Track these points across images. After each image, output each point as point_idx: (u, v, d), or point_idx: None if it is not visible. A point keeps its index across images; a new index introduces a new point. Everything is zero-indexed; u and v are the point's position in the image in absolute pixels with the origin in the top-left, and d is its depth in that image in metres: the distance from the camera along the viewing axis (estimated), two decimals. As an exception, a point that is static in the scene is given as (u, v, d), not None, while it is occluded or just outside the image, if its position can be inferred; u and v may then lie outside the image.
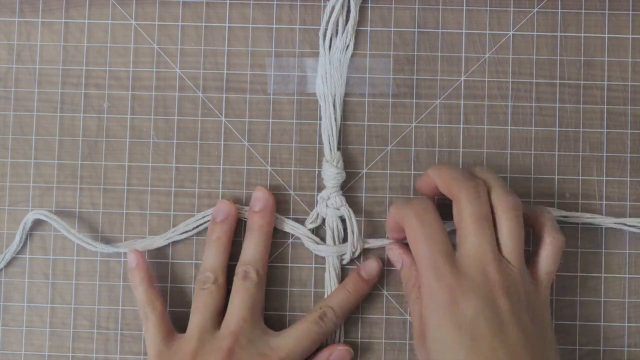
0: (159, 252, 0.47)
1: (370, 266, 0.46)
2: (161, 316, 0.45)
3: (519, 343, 0.38)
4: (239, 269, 0.45)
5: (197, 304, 0.45)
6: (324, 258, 0.47)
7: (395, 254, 0.46)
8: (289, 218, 0.47)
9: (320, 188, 0.47)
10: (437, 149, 0.48)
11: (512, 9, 0.48)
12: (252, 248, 0.45)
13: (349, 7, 0.48)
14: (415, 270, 0.43)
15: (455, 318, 0.39)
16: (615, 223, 0.46)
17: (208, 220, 0.47)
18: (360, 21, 0.48)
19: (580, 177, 0.47)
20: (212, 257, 0.45)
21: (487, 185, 0.42)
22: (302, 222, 0.47)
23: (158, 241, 0.47)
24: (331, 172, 0.46)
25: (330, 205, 0.46)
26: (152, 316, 0.45)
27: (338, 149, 0.47)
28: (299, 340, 0.44)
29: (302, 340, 0.44)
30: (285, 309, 0.47)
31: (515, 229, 0.41)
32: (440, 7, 0.48)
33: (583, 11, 0.48)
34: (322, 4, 0.48)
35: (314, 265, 0.47)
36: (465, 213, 0.41)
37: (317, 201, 0.47)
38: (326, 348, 0.46)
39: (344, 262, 0.46)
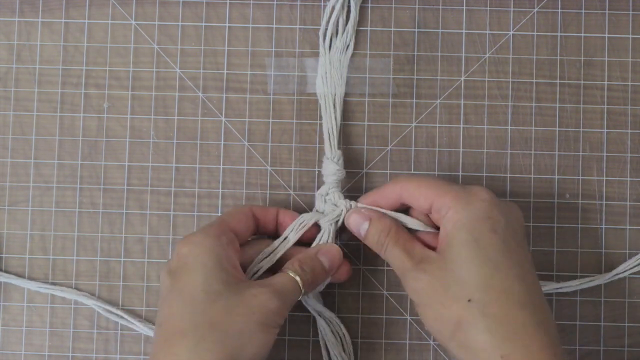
0: (161, 251, 0.47)
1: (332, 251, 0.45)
2: None
3: (532, 262, 0.41)
4: None
5: None
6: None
7: (359, 215, 0.44)
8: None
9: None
10: (437, 149, 0.48)
11: (512, 9, 0.48)
12: None
13: (349, 7, 0.48)
14: (387, 218, 0.43)
15: (491, 223, 0.40)
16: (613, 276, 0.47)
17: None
18: (360, 21, 0.48)
19: (580, 177, 0.47)
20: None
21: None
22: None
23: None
24: (332, 169, 0.46)
25: (328, 200, 0.46)
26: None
27: (338, 147, 0.47)
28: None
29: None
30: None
31: None
32: (440, 7, 0.48)
33: (583, 11, 0.48)
34: (322, 4, 0.48)
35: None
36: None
37: (315, 197, 0.46)
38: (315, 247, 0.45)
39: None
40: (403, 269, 0.42)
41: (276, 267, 0.44)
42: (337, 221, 0.45)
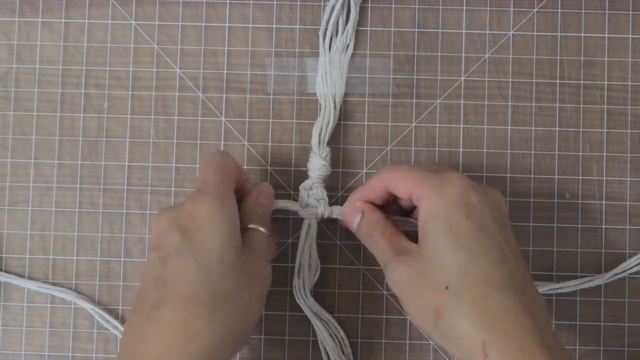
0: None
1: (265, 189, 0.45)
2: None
3: (514, 243, 0.40)
4: None
5: None
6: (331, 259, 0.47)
7: (353, 207, 0.44)
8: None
9: (320, 188, 0.47)
10: (437, 149, 0.48)
11: (512, 9, 0.48)
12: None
13: (349, 7, 0.48)
14: (378, 212, 0.43)
15: (465, 207, 0.39)
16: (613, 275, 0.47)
17: None
18: (360, 21, 0.48)
19: (580, 177, 0.47)
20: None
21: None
22: (300, 220, 0.47)
23: None
24: (318, 164, 0.46)
25: (311, 195, 0.46)
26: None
27: (335, 147, 0.47)
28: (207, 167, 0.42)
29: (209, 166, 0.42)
30: (286, 309, 0.47)
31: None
32: (440, 7, 0.48)
33: (583, 11, 0.48)
34: (322, 4, 0.48)
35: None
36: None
37: (299, 190, 0.46)
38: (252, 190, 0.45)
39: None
40: (385, 260, 0.42)
41: None
42: (320, 215, 0.46)
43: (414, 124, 0.48)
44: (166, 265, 0.39)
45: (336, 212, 0.46)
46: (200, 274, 0.39)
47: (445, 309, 0.38)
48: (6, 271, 0.48)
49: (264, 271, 0.42)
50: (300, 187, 0.46)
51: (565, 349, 0.38)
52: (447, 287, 0.38)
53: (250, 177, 0.45)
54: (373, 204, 0.44)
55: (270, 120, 0.48)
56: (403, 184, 0.41)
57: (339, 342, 0.46)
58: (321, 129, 0.46)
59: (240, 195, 0.44)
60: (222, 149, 0.48)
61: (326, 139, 0.47)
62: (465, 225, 0.39)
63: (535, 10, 0.48)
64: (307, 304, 0.46)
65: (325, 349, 0.46)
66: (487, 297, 0.37)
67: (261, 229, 0.43)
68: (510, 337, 0.36)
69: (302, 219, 0.46)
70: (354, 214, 0.44)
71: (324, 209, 0.46)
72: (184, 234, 0.39)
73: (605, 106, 0.48)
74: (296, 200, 0.47)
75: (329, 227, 0.47)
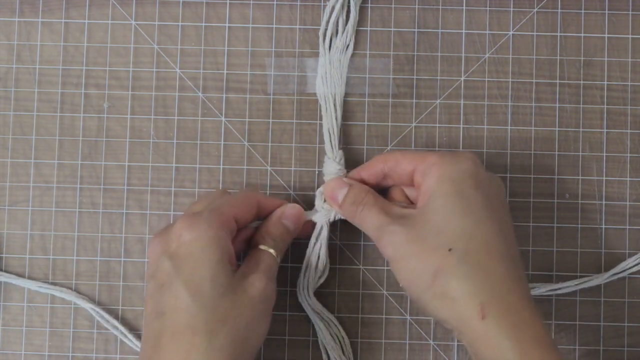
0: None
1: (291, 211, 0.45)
2: None
3: (511, 221, 0.42)
4: None
5: None
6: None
7: (338, 181, 0.45)
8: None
9: (320, 188, 0.47)
10: (437, 149, 0.48)
11: (512, 9, 0.48)
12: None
13: (349, 7, 0.48)
14: (365, 186, 0.44)
15: (475, 179, 0.41)
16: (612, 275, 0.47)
17: None
18: (360, 21, 0.48)
19: (580, 177, 0.47)
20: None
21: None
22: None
23: None
24: (333, 168, 0.46)
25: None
26: None
27: (339, 147, 0.47)
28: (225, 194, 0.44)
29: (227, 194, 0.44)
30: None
31: None
32: (440, 7, 0.48)
33: (583, 11, 0.48)
34: (322, 4, 0.48)
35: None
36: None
37: (315, 195, 0.46)
38: (278, 209, 0.45)
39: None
40: (379, 225, 0.42)
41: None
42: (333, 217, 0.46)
43: (414, 124, 0.48)
44: (162, 296, 0.39)
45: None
46: (194, 302, 0.39)
47: (445, 270, 0.39)
48: (6, 271, 0.48)
49: (264, 291, 0.41)
50: (317, 192, 0.46)
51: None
52: (450, 250, 0.39)
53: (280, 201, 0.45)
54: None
55: (270, 120, 0.48)
56: (409, 157, 0.42)
57: (340, 341, 0.46)
58: (330, 132, 0.46)
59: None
60: (221, 149, 0.48)
61: (337, 141, 0.47)
62: (475, 194, 0.40)
63: (535, 10, 0.48)
64: (309, 303, 0.46)
65: (326, 349, 0.46)
66: (490, 263, 0.39)
67: (271, 251, 0.43)
68: (508, 303, 0.38)
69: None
70: (340, 187, 0.44)
71: (336, 213, 0.46)
72: (174, 262, 0.40)
73: (605, 106, 0.48)
74: (300, 204, 0.47)
75: (330, 228, 0.47)
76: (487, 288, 0.38)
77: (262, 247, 0.43)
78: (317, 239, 0.46)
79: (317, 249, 0.46)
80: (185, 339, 0.38)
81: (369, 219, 0.42)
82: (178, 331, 0.38)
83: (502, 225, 0.40)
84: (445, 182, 0.40)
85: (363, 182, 0.44)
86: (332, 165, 0.46)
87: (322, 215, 0.46)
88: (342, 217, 0.45)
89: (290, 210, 0.45)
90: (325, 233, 0.46)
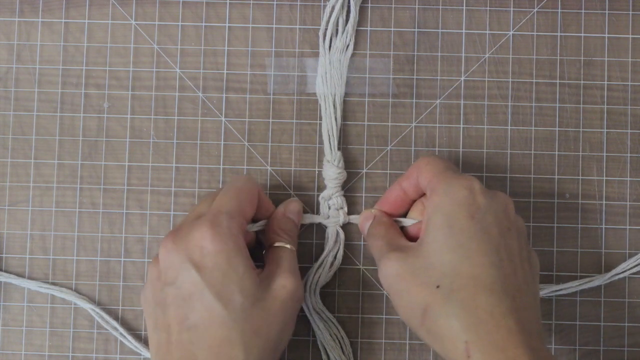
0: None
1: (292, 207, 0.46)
2: None
3: (517, 250, 0.40)
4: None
5: None
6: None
7: (366, 214, 0.45)
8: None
9: (321, 188, 0.47)
10: (437, 149, 0.48)
11: (512, 9, 0.48)
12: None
13: (349, 7, 0.48)
14: (387, 217, 0.44)
15: (470, 207, 0.40)
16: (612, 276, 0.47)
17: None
18: (360, 21, 0.48)
19: (580, 177, 0.47)
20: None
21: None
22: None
23: None
24: (332, 172, 0.46)
25: (332, 205, 0.46)
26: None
27: (338, 148, 0.47)
28: (225, 193, 0.42)
29: (228, 191, 0.43)
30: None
31: None
32: (440, 7, 0.48)
33: (583, 11, 0.48)
34: (322, 4, 0.48)
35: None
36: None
37: (318, 202, 0.47)
38: (280, 206, 0.46)
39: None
40: (379, 255, 0.42)
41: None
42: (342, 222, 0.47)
43: (414, 124, 0.48)
44: (191, 308, 0.39)
45: (354, 219, 0.47)
46: (229, 315, 0.39)
47: (433, 308, 0.38)
48: (6, 271, 0.48)
49: (296, 291, 0.41)
50: (320, 197, 0.47)
51: (551, 355, 0.38)
52: (438, 287, 0.38)
53: (270, 203, 0.46)
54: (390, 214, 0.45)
55: (270, 120, 0.48)
56: (428, 172, 0.42)
57: (339, 341, 0.46)
58: (329, 134, 0.47)
59: (260, 216, 0.45)
60: (221, 149, 0.48)
61: (336, 142, 0.47)
62: (467, 225, 0.39)
63: (535, 10, 0.48)
64: (312, 302, 0.46)
65: (325, 349, 0.46)
66: (476, 299, 0.38)
67: (288, 246, 0.43)
68: (494, 340, 0.37)
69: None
70: (366, 220, 0.45)
71: (343, 219, 0.47)
72: (202, 272, 0.39)
73: (605, 106, 0.48)
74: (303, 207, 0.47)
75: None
76: (472, 326, 0.37)
77: (278, 244, 0.43)
78: (334, 243, 0.47)
79: (335, 251, 0.47)
80: (224, 352, 0.38)
81: (374, 251, 0.44)
82: (215, 344, 0.38)
83: (497, 254, 0.39)
84: (437, 213, 0.40)
85: (388, 212, 0.45)
86: (331, 169, 0.46)
87: (332, 221, 0.47)
88: (351, 221, 0.47)
89: (294, 206, 0.45)
90: (342, 236, 0.47)
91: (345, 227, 0.47)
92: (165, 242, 0.40)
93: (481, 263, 0.38)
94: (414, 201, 0.45)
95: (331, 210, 0.47)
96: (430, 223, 0.40)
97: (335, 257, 0.47)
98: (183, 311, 0.39)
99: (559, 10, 0.48)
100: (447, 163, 0.43)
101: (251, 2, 0.48)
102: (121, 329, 0.47)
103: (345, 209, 0.47)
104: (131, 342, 0.46)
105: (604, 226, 0.47)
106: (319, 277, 0.46)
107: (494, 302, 0.37)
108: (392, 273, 0.40)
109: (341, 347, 0.46)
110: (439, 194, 0.40)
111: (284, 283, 0.41)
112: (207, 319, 0.39)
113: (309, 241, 0.47)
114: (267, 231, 0.45)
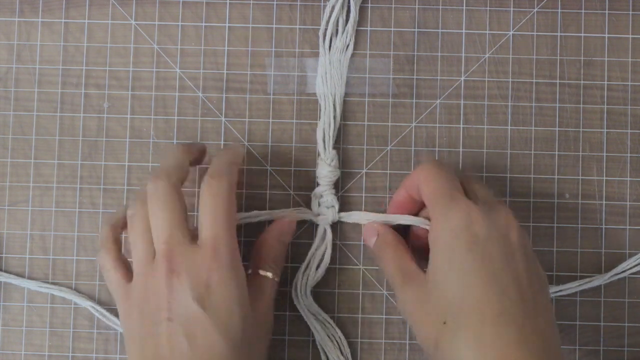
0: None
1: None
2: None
3: (524, 274, 0.39)
4: (147, 185, 0.41)
5: (132, 235, 0.42)
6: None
7: (372, 226, 0.45)
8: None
9: (320, 188, 0.47)
10: (437, 149, 0.48)
11: (512, 9, 0.48)
12: (168, 158, 0.43)
13: (349, 7, 0.48)
14: (391, 234, 0.44)
15: (468, 237, 0.39)
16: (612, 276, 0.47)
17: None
18: (360, 21, 0.48)
19: (580, 177, 0.47)
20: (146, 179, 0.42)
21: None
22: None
23: None
24: (325, 171, 0.46)
25: (322, 203, 0.46)
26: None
27: (334, 147, 0.47)
28: (214, 220, 0.41)
29: (216, 217, 0.41)
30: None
31: (484, 187, 0.44)
32: (440, 7, 0.48)
33: (583, 11, 0.48)
34: (322, 4, 0.48)
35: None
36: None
37: (311, 197, 0.47)
38: (273, 224, 0.46)
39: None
40: (393, 285, 0.43)
41: None
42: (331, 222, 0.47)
43: (414, 124, 0.48)
44: (193, 343, 0.39)
45: (345, 217, 0.47)
46: (228, 348, 0.39)
47: (442, 344, 0.39)
48: (6, 271, 0.48)
49: (270, 320, 0.43)
50: (312, 194, 0.46)
51: None
52: (444, 322, 0.39)
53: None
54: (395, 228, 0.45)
55: (270, 120, 0.48)
56: (427, 190, 0.42)
57: (337, 342, 0.46)
58: (324, 132, 0.47)
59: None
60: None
61: (331, 142, 0.47)
62: (466, 258, 0.39)
63: (535, 10, 0.48)
64: (305, 304, 0.46)
65: (324, 349, 0.46)
66: (482, 332, 0.38)
67: (271, 276, 0.44)
68: None
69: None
70: (371, 235, 0.45)
71: (332, 217, 0.46)
72: (208, 310, 0.39)
73: (605, 106, 0.48)
74: (300, 204, 0.47)
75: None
76: (483, 359, 0.37)
77: (262, 272, 0.44)
78: (322, 241, 0.46)
79: (322, 251, 0.46)
80: None
81: (387, 277, 0.45)
82: None
83: (499, 283, 0.38)
84: (437, 244, 0.40)
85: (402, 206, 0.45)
86: (325, 168, 0.46)
87: (322, 219, 0.46)
88: (341, 219, 0.47)
89: (288, 227, 0.46)
90: (329, 235, 0.46)
91: (346, 227, 0.47)
92: (159, 272, 0.40)
93: (484, 295, 0.38)
94: (422, 202, 0.44)
95: (321, 207, 0.46)
96: (432, 252, 0.40)
97: (322, 258, 0.47)
98: (181, 347, 0.39)
99: (559, 10, 0.48)
100: (447, 176, 0.42)
101: (251, 2, 0.48)
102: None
103: (337, 207, 0.47)
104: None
105: (604, 226, 0.47)
106: (306, 280, 0.46)
107: (500, 333, 0.37)
108: (406, 307, 0.41)
109: (339, 348, 0.46)
110: (438, 222, 0.40)
111: (267, 313, 0.43)
112: (208, 354, 0.39)
113: (304, 241, 0.47)
114: (254, 254, 0.45)
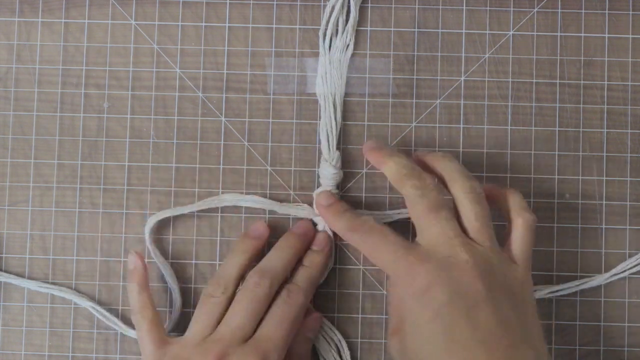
0: (162, 251, 0.47)
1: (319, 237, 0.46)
2: (152, 323, 0.43)
3: (494, 325, 0.37)
4: (251, 277, 0.43)
5: (200, 312, 0.43)
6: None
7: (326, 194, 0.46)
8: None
9: (320, 188, 0.47)
10: (437, 149, 0.48)
11: (512, 9, 0.48)
12: (275, 258, 0.45)
13: (349, 7, 0.48)
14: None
15: (429, 305, 0.38)
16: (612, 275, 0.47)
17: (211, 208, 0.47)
18: (360, 21, 0.48)
19: (580, 177, 0.47)
20: (232, 266, 0.44)
21: (441, 173, 0.42)
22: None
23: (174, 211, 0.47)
24: (328, 172, 0.46)
25: None
26: (143, 324, 0.43)
27: (337, 148, 0.47)
28: (279, 325, 0.42)
29: (282, 323, 0.43)
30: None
31: (479, 208, 0.41)
32: (440, 7, 0.48)
33: (583, 11, 0.48)
34: (322, 4, 0.48)
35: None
36: (417, 208, 0.41)
37: (313, 197, 0.47)
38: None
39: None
40: (391, 323, 0.42)
41: None
42: None
43: (414, 124, 0.48)
44: None
45: None
46: None
47: None
48: (6, 271, 0.48)
49: None
50: (314, 194, 0.46)
51: None
52: None
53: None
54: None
55: (270, 120, 0.48)
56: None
57: (336, 344, 0.46)
58: (327, 133, 0.47)
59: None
60: (221, 149, 0.48)
61: (335, 142, 0.47)
62: (429, 330, 0.38)
63: (535, 10, 0.48)
64: None
65: (319, 351, 0.46)
66: None
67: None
68: None
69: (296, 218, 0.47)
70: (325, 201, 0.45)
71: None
72: None
73: (605, 106, 0.48)
74: (298, 202, 0.47)
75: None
76: None
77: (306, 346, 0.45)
78: None
79: None
80: None
81: (390, 312, 0.43)
82: None
83: (467, 349, 0.37)
84: (404, 313, 0.40)
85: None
86: (328, 169, 0.46)
87: (322, 219, 0.46)
88: None
89: (314, 323, 0.46)
90: (330, 235, 0.46)
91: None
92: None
93: (454, 356, 0.37)
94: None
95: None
96: (402, 318, 0.40)
97: None
98: None
99: (559, 10, 0.48)
100: (425, 204, 0.40)
101: (251, 2, 0.48)
102: (121, 324, 0.46)
103: None
104: (132, 337, 0.46)
105: (604, 226, 0.47)
106: None
107: None
108: (394, 355, 0.41)
109: (338, 349, 0.46)
110: (401, 287, 0.40)
111: None
112: None
113: (309, 241, 0.47)
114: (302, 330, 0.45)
